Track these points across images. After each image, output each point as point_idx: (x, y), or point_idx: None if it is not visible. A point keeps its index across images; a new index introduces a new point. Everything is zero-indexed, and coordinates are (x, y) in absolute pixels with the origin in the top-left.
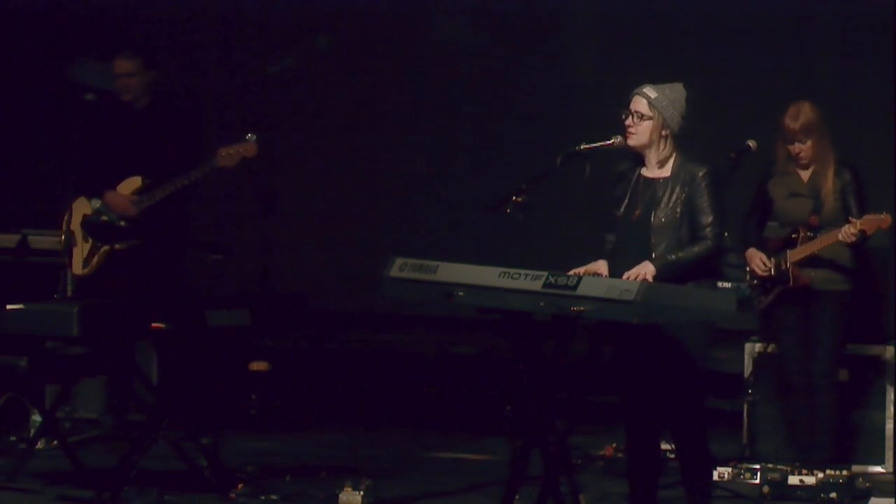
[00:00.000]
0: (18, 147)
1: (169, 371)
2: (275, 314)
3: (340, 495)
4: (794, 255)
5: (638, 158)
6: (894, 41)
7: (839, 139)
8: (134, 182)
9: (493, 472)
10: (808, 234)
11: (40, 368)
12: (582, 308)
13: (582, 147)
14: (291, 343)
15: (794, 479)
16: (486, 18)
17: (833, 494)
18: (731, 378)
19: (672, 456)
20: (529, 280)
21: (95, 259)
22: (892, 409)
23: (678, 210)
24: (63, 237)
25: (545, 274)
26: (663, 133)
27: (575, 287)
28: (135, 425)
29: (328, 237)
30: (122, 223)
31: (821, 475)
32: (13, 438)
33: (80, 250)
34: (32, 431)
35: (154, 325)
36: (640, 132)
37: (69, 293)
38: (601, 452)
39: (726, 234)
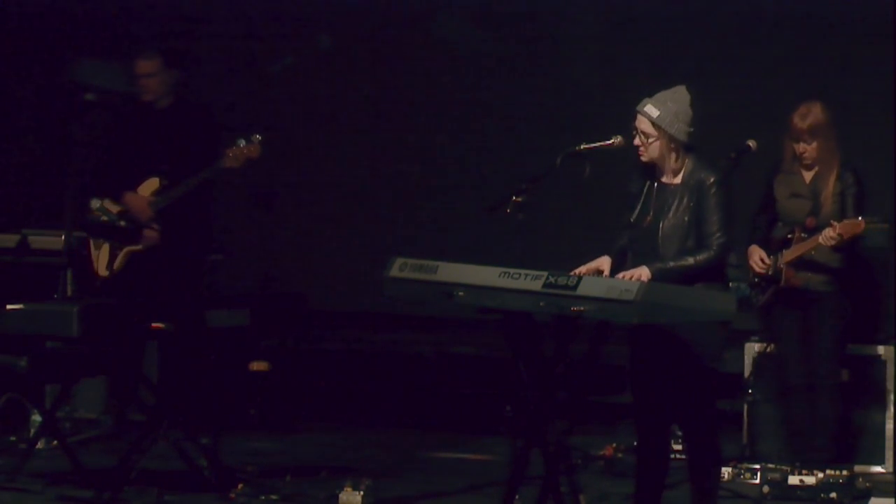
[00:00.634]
0: (18, 147)
1: (169, 371)
2: (275, 314)
3: (340, 495)
4: (786, 255)
5: (645, 163)
6: (894, 41)
7: (839, 139)
8: (153, 183)
9: (493, 472)
10: (803, 235)
11: (40, 368)
12: (582, 308)
13: (582, 147)
14: (291, 343)
15: (794, 479)
16: (486, 18)
17: (833, 494)
18: (731, 378)
19: (680, 456)
20: (529, 280)
21: (118, 260)
22: (892, 409)
23: (686, 217)
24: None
25: (545, 274)
26: (672, 146)
27: (575, 287)
28: (135, 425)
29: (328, 237)
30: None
31: (821, 475)
32: (13, 438)
33: (104, 252)
34: (32, 431)
35: (154, 325)
36: (650, 151)
37: (69, 293)
38: (601, 452)
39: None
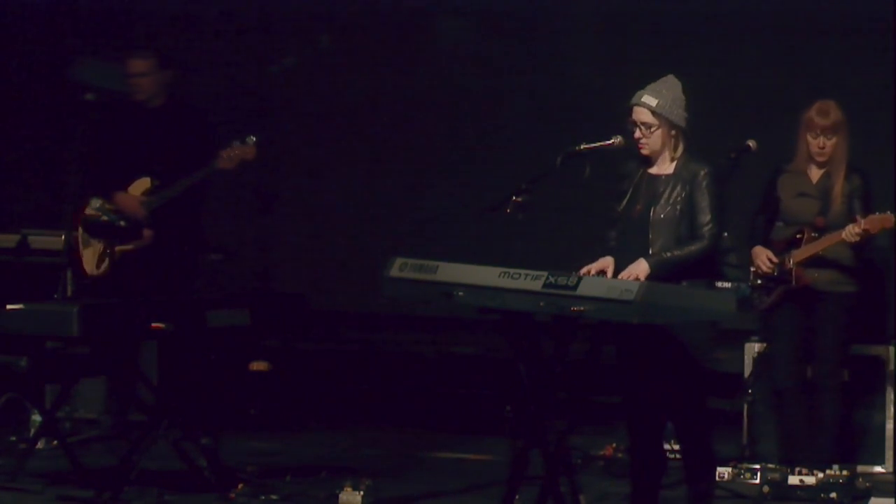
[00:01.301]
0: (18, 147)
1: (169, 371)
2: (275, 314)
3: (340, 495)
4: (797, 255)
5: (644, 157)
6: (894, 41)
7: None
8: (143, 183)
9: (493, 472)
10: (813, 234)
11: (40, 368)
12: (582, 308)
13: (582, 147)
14: (291, 343)
15: (794, 479)
16: (486, 18)
17: (833, 494)
18: (731, 378)
19: (675, 456)
20: (529, 280)
21: (108, 259)
22: (892, 409)
23: (678, 207)
24: (76, 237)
25: (545, 274)
26: (672, 133)
27: (575, 287)
28: (135, 425)
29: (328, 237)
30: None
31: (821, 475)
32: (13, 438)
33: (94, 250)
34: (32, 431)
35: (154, 325)
36: (651, 143)
37: (69, 293)
38: (601, 452)
39: (726, 234)
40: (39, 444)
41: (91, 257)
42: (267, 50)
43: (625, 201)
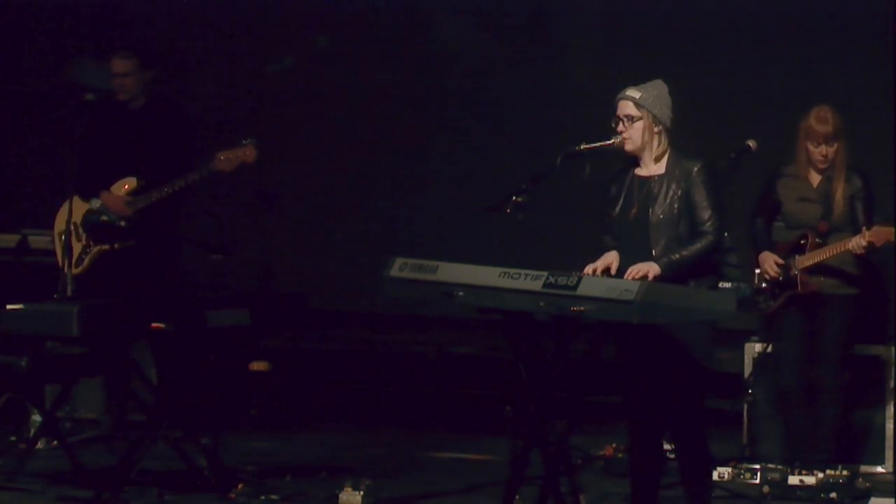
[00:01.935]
0: (18, 147)
1: (169, 371)
2: (275, 314)
3: (340, 495)
4: (802, 261)
5: (631, 158)
6: (894, 41)
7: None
8: (129, 182)
9: (493, 472)
10: (817, 240)
11: (40, 368)
12: (582, 308)
13: (582, 147)
14: (291, 343)
15: (794, 479)
16: (486, 18)
17: (833, 494)
18: (731, 378)
19: (673, 456)
20: (529, 280)
21: (87, 259)
22: (892, 409)
23: (675, 206)
24: (59, 236)
25: (545, 274)
26: (656, 129)
27: (575, 287)
28: (135, 425)
29: (328, 237)
30: (122, 223)
31: (821, 475)
32: (13, 438)
33: (73, 250)
34: (32, 431)
35: (154, 325)
36: (633, 135)
37: (69, 293)
38: (601, 452)
39: (726, 234)
40: (39, 444)
41: (70, 257)
42: (266, 50)
43: (618, 205)
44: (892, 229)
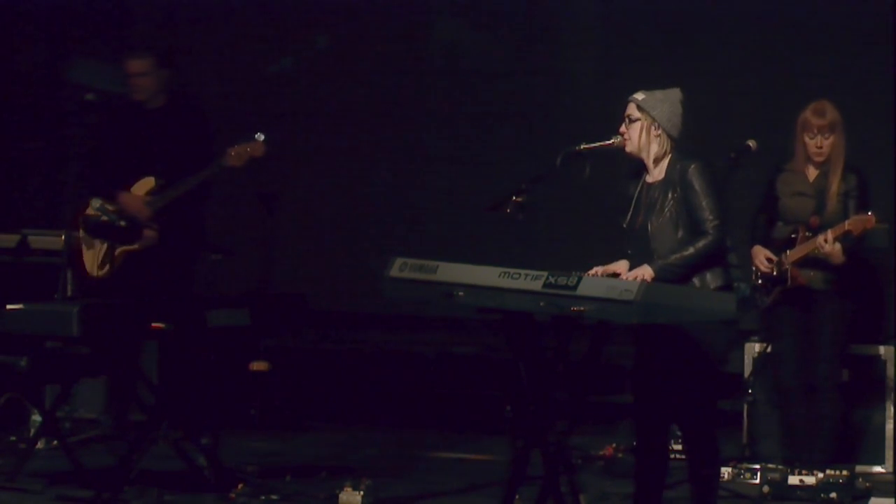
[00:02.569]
0: (19, 147)
1: (169, 371)
2: (275, 314)
3: (340, 495)
4: (792, 255)
5: (641, 164)
6: (894, 41)
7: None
8: (147, 183)
9: (493, 472)
10: (807, 234)
11: (40, 368)
12: (582, 308)
13: (582, 147)
14: (291, 343)
15: (794, 479)
16: (486, 18)
17: (833, 494)
18: (731, 378)
19: (675, 456)
20: (529, 280)
21: (113, 261)
22: (892, 409)
23: (673, 212)
24: (79, 238)
25: (545, 274)
26: (654, 133)
27: (575, 287)
28: (135, 425)
29: (328, 237)
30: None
31: (821, 475)
32: (13, 438)
33: (96, 252)
34: (32, 431)
35: (154, 325)
36: (631, 136)
37: (69, 293)
38: (601, 452)
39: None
40: (39, 444)
41: (93, 258)
42: (266, 50)
43: (629, 214)
44: (870, 217)
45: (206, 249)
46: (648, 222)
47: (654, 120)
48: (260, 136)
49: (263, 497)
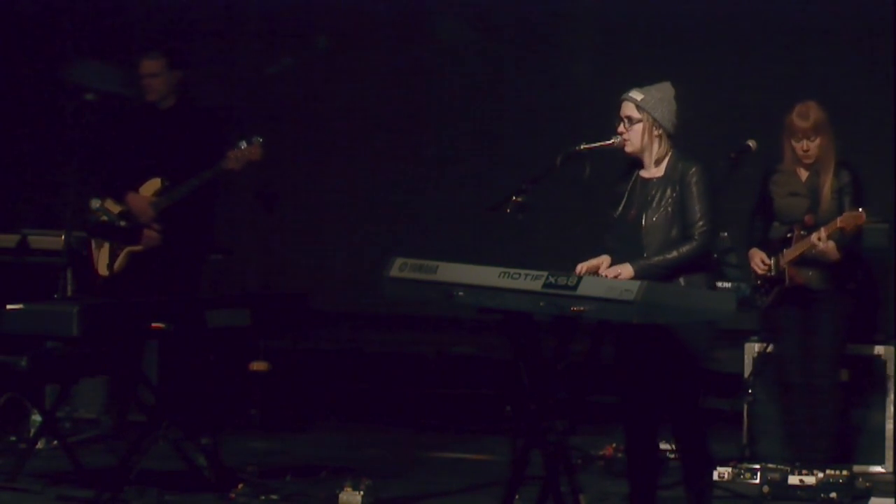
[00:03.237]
0: (19, 147)
1: (169, 371)
2: (275, 314)
3: (340, 495)
4: (787, 255)
5: (637, 160)
6: (894, 41)
7: (838, 139)
8: (154, 184)
9: (493, 472)
10: (802, 232)
11: (40, 368)
12: (582, 308)
13: (582, 147)
14: (291, 343)
15: (794, 479)
16: (486, 19)
17: (833, 494)
18: (731, 378)
19: (672, 455)
20: (529, 280)
21: (118, 260)
22: (892, 409)
23: (669, 210)
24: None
25: (545, 274)
26: (656, 133)
27: (575, 287)
28: (135, 425)
29: (328, 237)
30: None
31: (821, 475)
32: (13, 438)
33: (105, 251)
34: (32, 431)
35: (154, 325)
36: (632, 137)
37: (69, 293)
38: (601, 452)
39: (725, 234)
40: (39, 444)
41: (103, 258)
42: (266, 50)
43: (620, 206)
44: (860, 213)
45: (210, 250)
46: (643, 217)
47: (655, 121)
48: (258, 140)
49: (263, 497)
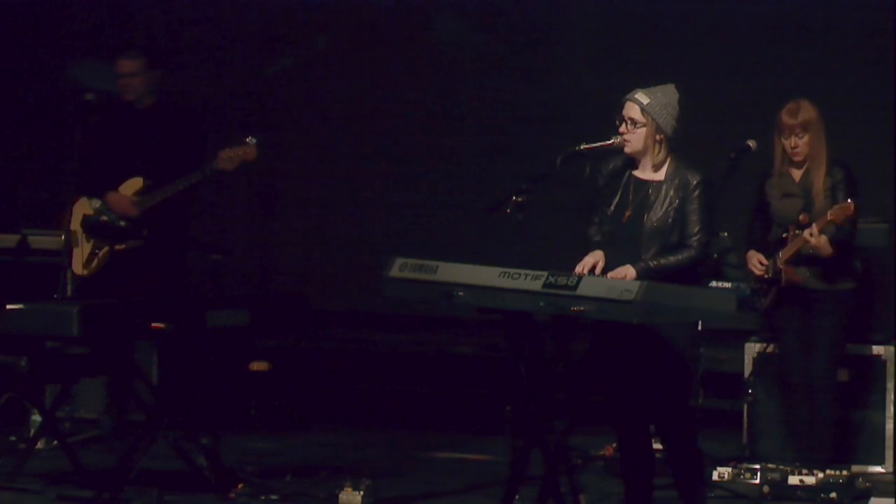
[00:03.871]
0: (18, 147)
1: (169, 371)
2: (275, 314)
3: (340, 495)
4: (783, 254)
5: (629, 157)
6: (894, 41)
7: (838, 139)
8: (135, 183)
9: (493, 472)
10: (797, 231)
11: (40, 368)
12: (582, 308)
13: (582, 147)
14: (291, 343)
15: (794, 479)
16: (486, 18)
17: (833, 494)
18: (731, 378)
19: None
20: (529, 280)
21: (97, 260)
22: (892, 409)
23: (670, 215)
24: (63, 237)
25: (545, 274)
26: (657, 138)
27: (575, 287)
28: (135, 425)
29: (328, 237)
30: (122, 223)
31: (821, 475)
32: (13, 438)
33: (81, 251)
34: (32, 431)
35: (154, 325)
36: (634, 140)
37: (69, 293)
38: (601, 452)
39: (726, 234)
40: (39, 444)
41: (79, 257)
42: (265, 50)
43: (613, 205)
44: (849, 205)
45: (207, 250)
46: (642, 219)
47: (658, 126)
48: (252, 140)
49: (263, 497)
